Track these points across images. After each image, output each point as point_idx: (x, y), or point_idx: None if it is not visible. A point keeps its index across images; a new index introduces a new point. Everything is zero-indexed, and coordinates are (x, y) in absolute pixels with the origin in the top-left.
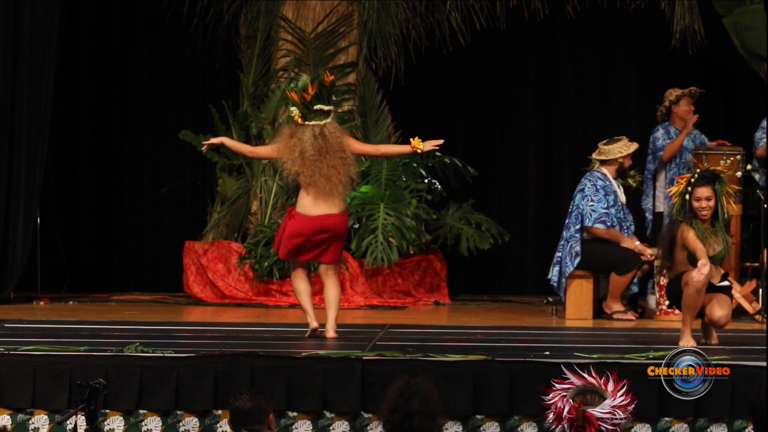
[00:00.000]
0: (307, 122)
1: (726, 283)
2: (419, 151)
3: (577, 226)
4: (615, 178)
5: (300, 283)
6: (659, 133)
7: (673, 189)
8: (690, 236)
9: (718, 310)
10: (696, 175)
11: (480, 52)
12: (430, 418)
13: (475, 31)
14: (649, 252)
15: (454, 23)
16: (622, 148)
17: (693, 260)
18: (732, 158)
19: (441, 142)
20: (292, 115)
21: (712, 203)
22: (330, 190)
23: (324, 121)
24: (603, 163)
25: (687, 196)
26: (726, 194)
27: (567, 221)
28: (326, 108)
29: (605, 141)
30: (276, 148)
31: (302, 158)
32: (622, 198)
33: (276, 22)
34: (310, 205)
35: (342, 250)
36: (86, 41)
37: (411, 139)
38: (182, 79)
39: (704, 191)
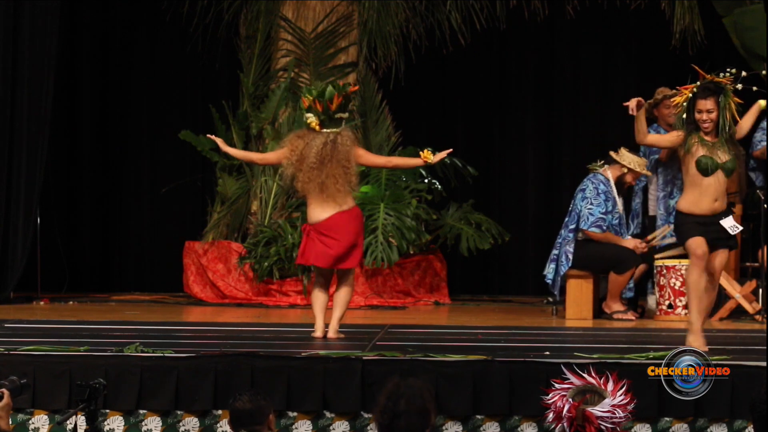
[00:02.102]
0: (324, 129)
1: (731, 225)
2: (430, 162)
3: (573, 226)
4: (615, 185)
5: (318, 293)
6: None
7: (677, 99)
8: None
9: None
10: (699, 87)
11: (480, 52)
12: (419, 417)
13: (475, 31)
14: (647, 238)
15: (454, 23)
16: (637, 162)
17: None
18: None
19: (450, 151)
20: (309, 122)
21: (714, 115)
22: (327, 197)
23: (340, 129)
24: (611, 163)
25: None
26: (729, 107)
27: (566, 219)
28: (344, 116)
29: (629, 149)
30: (283, 153)
31: (300, 163)
32: (620, 207)
33: (276, 22)
34: (312, 214)
35: (358, 254)
36: (86, 41)
37: (420, 152)
38: (182, 79)
39: (706, 103)
